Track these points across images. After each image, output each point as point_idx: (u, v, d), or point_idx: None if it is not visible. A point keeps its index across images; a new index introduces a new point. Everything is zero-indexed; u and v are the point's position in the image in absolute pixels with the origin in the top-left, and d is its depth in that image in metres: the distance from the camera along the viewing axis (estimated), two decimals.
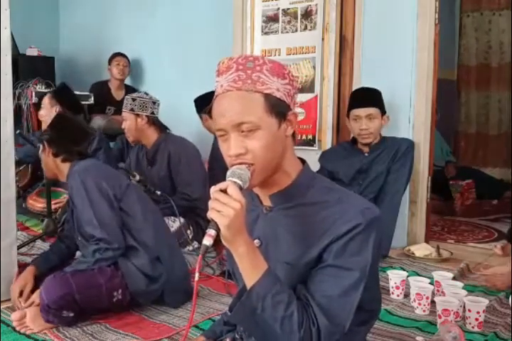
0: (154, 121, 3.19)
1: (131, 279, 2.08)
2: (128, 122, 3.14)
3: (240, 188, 1.08)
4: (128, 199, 2.19)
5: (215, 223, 1.04)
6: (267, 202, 1.23)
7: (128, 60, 4.67)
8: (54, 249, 2.37)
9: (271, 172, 1.16)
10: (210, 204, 1.05)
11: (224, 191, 1.06)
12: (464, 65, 5.74)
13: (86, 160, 2.25)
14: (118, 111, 4.45)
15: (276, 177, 1.19)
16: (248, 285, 1.10)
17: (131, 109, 3.13)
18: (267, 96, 1.13)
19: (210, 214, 1.05)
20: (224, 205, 1.04)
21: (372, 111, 2.97)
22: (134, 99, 3.14)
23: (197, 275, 1.09)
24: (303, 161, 1.25)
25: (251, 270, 1.10)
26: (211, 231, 1.05)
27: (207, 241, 1.05)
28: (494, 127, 5.64)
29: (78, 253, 2.37)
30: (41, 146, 2.28)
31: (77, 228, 2.21)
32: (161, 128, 3.23)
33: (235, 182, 1.08)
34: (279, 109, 1.14)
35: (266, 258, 1.13)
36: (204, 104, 3.61)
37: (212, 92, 1.20)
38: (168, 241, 2.31)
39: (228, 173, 1.11)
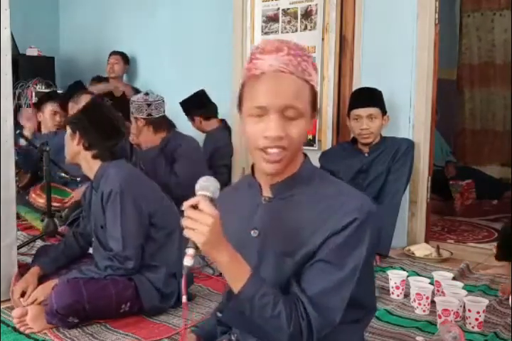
0: (153, 123, 3.07)
1: (144, 293, 2.08)
2: (132, 125, 3.09)
3: (211, 200, 1.08)
4: (160, 214, 2.15)
5: (193, 241, 1.05)
6: (267, 193, 1.23)
7: (122, 57, 4.65)
8: (65, 250, 2.31)
9: (292, 161, 1.18)
10: (183, 222, 1.06)
11: (195, 207, 1.06)
12: (465, 63, 5.73)
13: (118, 161, 2.14)
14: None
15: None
16: (235, 290, 1.11)
17: (132, 112, 3.10)
18: (312, 88, 1.15)
19: (186, 233, 1.05)
20: (196, 222, 1.04)
21: (373, 111, 2.98)
22: (131, 103, 3.10)
23: (184, 298, 1.08)
24: (304, 155, 1.27)
25: (235, 277, 1.11)
26: (190, 251, 1.05)
27: (187, 262, 1.06)
28: (499, 124, 5.63)
29: (91, 250, 2.34)
30: (69, 130, 2.14)
31: (94, 228, 2.18)
32: (164, 129, 3.11)
33: (205, 196, 1.08)
34: (315, 102, 1.17)
35: (263, 248, 1.15)
36: (192, 106, 3.59)
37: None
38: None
39: (197, 187, 1.10)
